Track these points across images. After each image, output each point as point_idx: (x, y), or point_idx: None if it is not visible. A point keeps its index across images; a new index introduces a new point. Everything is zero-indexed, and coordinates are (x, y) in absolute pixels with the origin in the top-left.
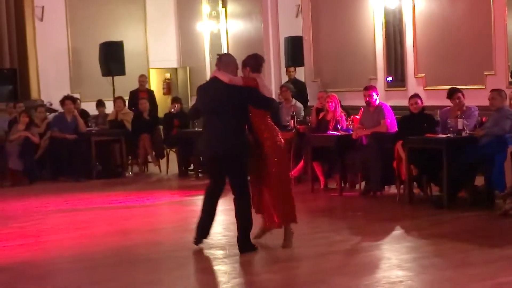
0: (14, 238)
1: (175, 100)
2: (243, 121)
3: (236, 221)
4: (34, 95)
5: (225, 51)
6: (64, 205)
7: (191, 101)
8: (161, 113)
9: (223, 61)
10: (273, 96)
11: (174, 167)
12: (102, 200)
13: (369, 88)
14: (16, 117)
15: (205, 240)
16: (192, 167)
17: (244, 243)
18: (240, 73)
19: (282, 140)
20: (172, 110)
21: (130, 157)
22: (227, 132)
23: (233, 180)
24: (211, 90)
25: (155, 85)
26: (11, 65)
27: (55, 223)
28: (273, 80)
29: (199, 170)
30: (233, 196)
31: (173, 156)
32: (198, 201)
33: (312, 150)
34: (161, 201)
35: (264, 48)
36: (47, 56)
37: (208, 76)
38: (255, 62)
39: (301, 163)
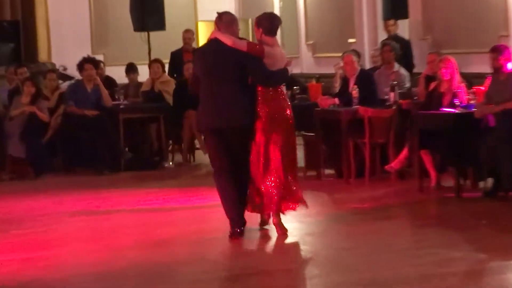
0: (16, 250)
1: None
2: (249, 89)
3: (237, 197)
4: (42, 56)
5: None
6: (82, 206)
7: None
8: None
9: (224, 20)
10: (288, 66)
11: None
12: (132, 200)
13: (499, 50)
14: (18, 86)
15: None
16: None
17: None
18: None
19: (290, 114)
20: None
21: (171, 142)
22: (231, 101)
23: (237, 155)
24: (211, 53)
25: None
26: (13, 15)
27: (69, 231)
28: (366, 37)
29: None
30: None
31: None
32: None
33: (419, 133)
34: (212, 202)
35: None
36: (60, 4)
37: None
38: (269, 23)
39: (404, 152)
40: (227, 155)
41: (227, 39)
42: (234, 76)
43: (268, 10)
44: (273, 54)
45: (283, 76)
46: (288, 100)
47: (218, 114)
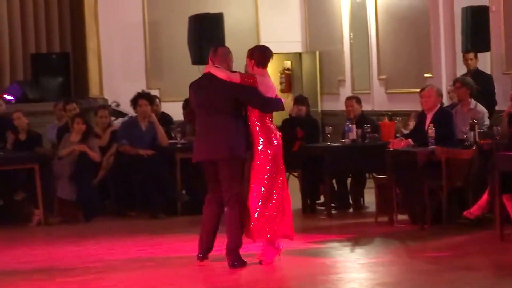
0: None
1: (299, 100)
2: (241, 122)
3: (227, 233)
4: (93, 91)
5: (372, 27)
6: (135, 253)
7: (322, 102)
8: (277, 119)
9: (219, 54)
10: (277, 95)
11: (295, 200)
12: (190, 246)
13: None
14: (67, 124)
15: None
16: (322, 199)
17: (237, 256)
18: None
19: (277, 143)
20: (293, 114)
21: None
22: (222, 133)
23: (226, 186)
24: (205, 87)
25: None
26: (62, 47)
27: (121, 280)
28: (443, 72)
29: (332, 205)
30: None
31: (294, 182)
32: (331, 250)
33: (501, 176)
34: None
35: (432, 23)
36: (113, 35)
37: (347, 63)
38: (262, 56)
39: (485, 197)
40: (218, 188)
41: (221, 73)
42: (226, 109)
43: (338, 44)
44: (266, 83)
45: (278, 103)
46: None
47: (210, 146)
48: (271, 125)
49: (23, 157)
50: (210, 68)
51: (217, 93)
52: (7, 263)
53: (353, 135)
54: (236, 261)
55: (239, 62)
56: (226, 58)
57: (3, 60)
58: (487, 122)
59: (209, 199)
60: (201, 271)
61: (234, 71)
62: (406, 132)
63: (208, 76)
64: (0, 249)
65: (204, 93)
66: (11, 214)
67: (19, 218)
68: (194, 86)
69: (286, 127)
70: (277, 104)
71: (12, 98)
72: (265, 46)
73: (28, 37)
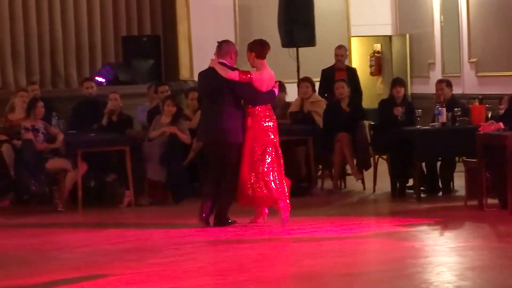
0: (152, 280)
1: (398, 82)
2: (238, 111)
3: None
4: (184, 73)
5: (463, 10)
6: (224, 235)
7: (412, 85)
8: (367, 102)
9: (223, 49)
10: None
11: (384, 183)
12: (279, 229)
13: None
14: (158, 106)
15: None
16: (411, 182)
17: (222, 216)
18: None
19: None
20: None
21: (320, 167)
22: (219, 120)
23: (223, 166)
24: (208, 78)
25: (359, 61)
26: (153, 31)
27: (210, 261)
28: None
29: (422, 188)
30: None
31: (384, 166)
32: (420, 234)
33: None
34: (365, 233)
35: None
36: (203, 18)
37: (437, 46)
38: (261, 50)
39: None
40: (216, 165)
41: (221, 72)
42: (224, 99)
43: (428, 26)
44: (260, 78)
45: (270, 97)
46: (272, 115)
47: (208, 130)
48: (260, 112)
49: (114, 139)
50: (213, 63)
51: (217, 85)
52: (99, 244)
53: (443, 118)
54: (222, 221)
55: (329, 46)
56: (229, 54)
57: (95, 42)
58: None
59: (210, 176)
60: (289, 253)
61: (235, 68)
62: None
63: (211, 69)
64: (92, 230)
65: (207, 84)
66: (102, 195)
67: (110, 199)
68: (200, 77)
69: (385, 108)
70: (266, 98)
71: (103, 81)
72: (263, 40)
73: (119, 19)
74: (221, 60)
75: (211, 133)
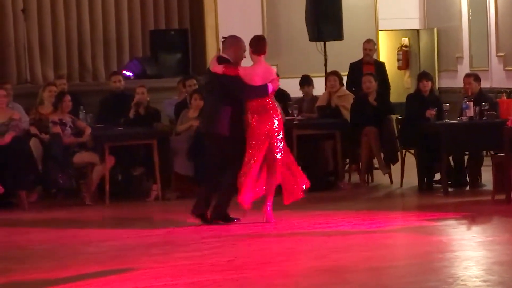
0: (179, 275)
1: (425, 75)
2: (233, 104)
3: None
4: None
5: (491, 3)
6: (251, 229)
7: (440, 79)
8: (395, 96)
9: (227, 44)
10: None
11: (412, 177)
12: (305, 223)
13: None
14: (185, 100)
15: None
16: (438, 177)
17: (221, 212)
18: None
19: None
20: (422, 90)
21: (347, 161)
22: (214, 113)
23: (220, 159)
24: (209, 74)
25: (387, 54)
26: (181, 24)
27: (237, 254)
28: None
29: (449, 182)
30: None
31: (411, 160)
32: (447, 228)
33: None
34: (391, 227)
35: None
36: (231, 12)
37: (465, 40)
38: (257, 45)
39: None
40: (211, 157)
41: (217, 68)
42: (219, 93)
43: (456, 20)
44: (250, 73)
45: (262, 91)
46: (277, 110)
47: (203, 121)
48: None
49: (142, 133)
50: (212, 62)
51: (214, 80)
52: (126, 238)
53: (470, 112)
54: (219, 216)
55: (356, 40)
56: (232, 48)
57: (122, 36)
58: None
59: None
60: (315, 247)
61: (228, 61)
62: None
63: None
64: (120, 223)
65: (206, 78)
66: (129, 189)
67: (137, 193)
68: (206, 70)
69: (412, 102)
70: (258, 93)
71: (130, 74)
72: (260, 36)
73: (147, 13)
74: (222, 54)
75: (204, 124)
